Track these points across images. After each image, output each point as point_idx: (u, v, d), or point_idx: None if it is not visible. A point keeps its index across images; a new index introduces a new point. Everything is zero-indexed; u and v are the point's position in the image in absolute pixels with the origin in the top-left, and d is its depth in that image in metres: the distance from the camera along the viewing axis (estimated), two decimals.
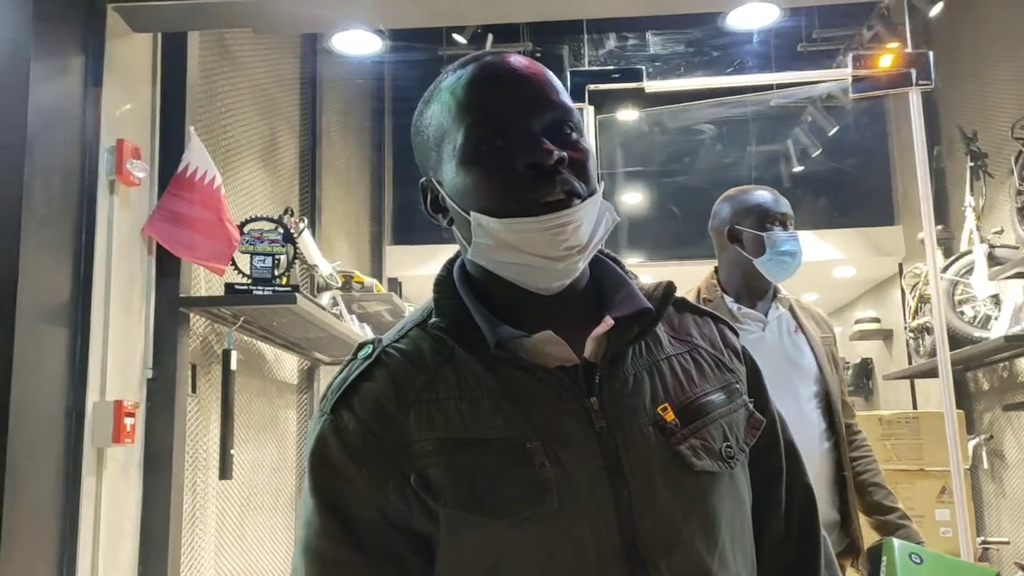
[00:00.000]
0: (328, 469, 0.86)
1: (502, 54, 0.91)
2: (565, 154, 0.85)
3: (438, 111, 0.90)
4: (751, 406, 0.97)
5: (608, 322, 0.89)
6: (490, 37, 5.35)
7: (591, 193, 0.87)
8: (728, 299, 2.17)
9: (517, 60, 0.89)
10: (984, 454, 4.63)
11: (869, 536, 2.11)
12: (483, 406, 0.85)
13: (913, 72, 2.53)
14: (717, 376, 0.95)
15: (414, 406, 0.86)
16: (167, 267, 2.82)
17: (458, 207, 0.89)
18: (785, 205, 2.19)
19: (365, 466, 0.85)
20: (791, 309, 2.21)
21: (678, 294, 0.98)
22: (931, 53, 2.59)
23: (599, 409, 0.86)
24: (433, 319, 0.91)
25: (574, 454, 0.84)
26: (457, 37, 5.45)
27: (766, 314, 2.17)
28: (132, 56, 2.74)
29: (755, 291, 2.18)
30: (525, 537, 0.82)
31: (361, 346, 0.94)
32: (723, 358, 0.98)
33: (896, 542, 1.72)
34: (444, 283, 0.94)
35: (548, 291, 0.90)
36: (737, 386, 0.96)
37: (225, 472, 3.05)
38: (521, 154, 0.85)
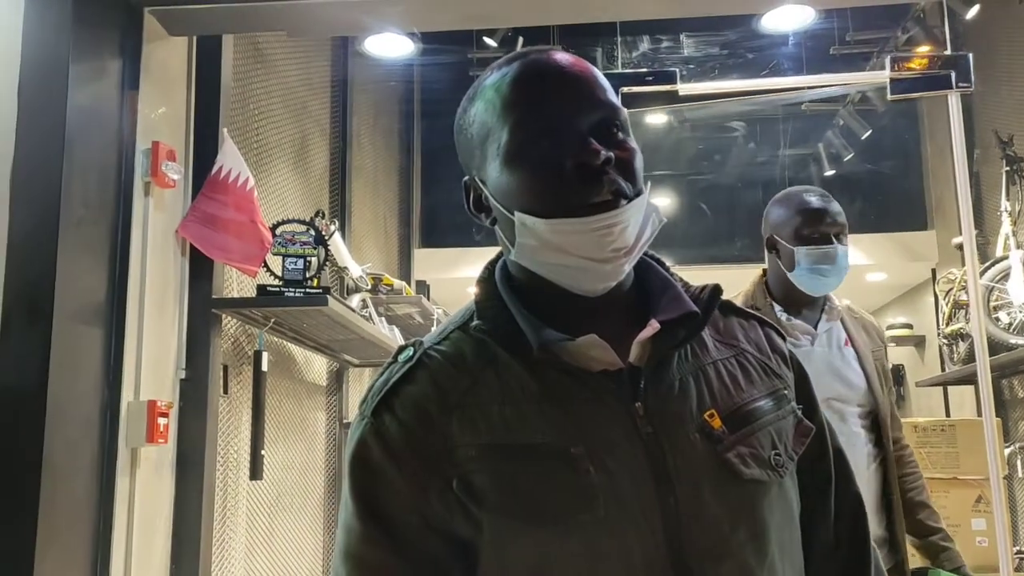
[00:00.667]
0: (369, 473, 0.85)
1: (548, 51, 0.89)
2: (612, 154, 0.83)
3: (482, 109, 0.88)
4: (799, 413, 0.94)
5: (654, 325, 0.86)
6: (520, 40, 5.34)
7: (638, 193, 0.85)
8: (777, 308, 2.10)
9: (563, 57, 0.87)
10: (1019, 462, 4.55)
11: (911, 555, 2.07)
12: (526, 410, 0.83)
13: (952, 75, 2.48)
14: (764, 382, 0.92)
15: (456, 409, 0.84)
16: (200, 268, 2.83)
17: (502, 207, 0.87)
18: (831, 215, 2.05)
19: (407, 470, 0.83)
20: (842, 319, 2.13)
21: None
22: (971, 56, 2.54)
23: (644, 414, 0.84)
24: (475, 321, 0.90)
25: (619, 460, 0.82)
26: (488, 40, 5.44)
27: (815, 325, 2.09)
28: (168, 59, 2.76)
29: (799, 301, 2.11)
30: (569, 544, 0.80)
31: (401, 348, 0.91)
32: (770, 363, 0.95)
33: (944, 575, 1.68)
34: (486, 284, 0.93)
35: (593, 293, 0.88)
36: (785, 392, 0.94)
37: (256, 472, 3.06)
38: (567, 153, 0.83)
